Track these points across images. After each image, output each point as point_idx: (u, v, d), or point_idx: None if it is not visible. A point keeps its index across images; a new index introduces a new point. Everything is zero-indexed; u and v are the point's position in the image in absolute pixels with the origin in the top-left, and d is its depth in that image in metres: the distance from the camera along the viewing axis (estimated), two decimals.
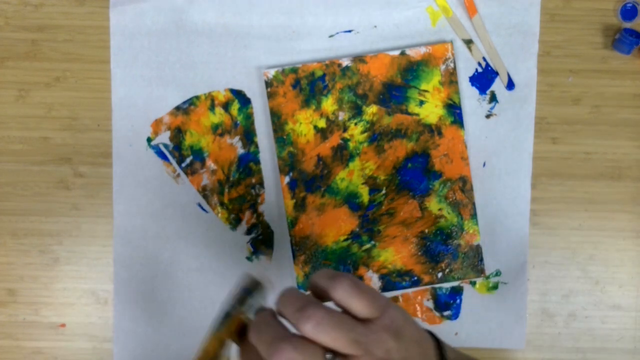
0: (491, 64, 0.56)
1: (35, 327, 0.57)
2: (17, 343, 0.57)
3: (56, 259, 0.57)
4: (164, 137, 0.56)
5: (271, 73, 0.55)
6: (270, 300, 0.35)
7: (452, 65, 0.55)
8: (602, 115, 0.56)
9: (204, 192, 0.56)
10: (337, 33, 0.56)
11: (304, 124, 0.55)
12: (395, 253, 0.56)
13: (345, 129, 0.55)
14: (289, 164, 0.55)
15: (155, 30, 0.56)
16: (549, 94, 0.56)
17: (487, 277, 0.56)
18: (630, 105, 0.56)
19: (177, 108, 0.56)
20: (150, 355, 0.56)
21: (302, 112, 0.55)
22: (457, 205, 0.55)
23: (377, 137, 0.55)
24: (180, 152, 0.56)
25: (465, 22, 0.55)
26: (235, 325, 0.33)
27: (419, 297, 0.56)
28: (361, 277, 0.56)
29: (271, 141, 0.56)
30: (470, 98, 0.56)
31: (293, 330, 0.31)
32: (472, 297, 0.56)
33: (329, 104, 0.55)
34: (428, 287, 0.56)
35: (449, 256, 0.56)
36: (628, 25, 0.55)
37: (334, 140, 0.55)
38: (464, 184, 0.55)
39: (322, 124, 0.55)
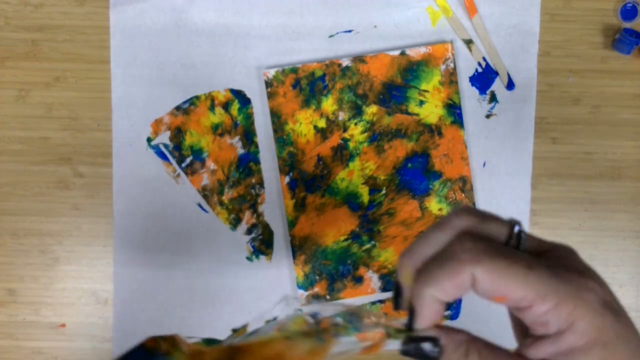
0: (491, 64, 0.56)
1: (35, 327, 0.57)
2: (17, 343, 0.57)
3: (56, 259, 0.57)
4: (164, 137, 0.56)
5: (271, 73, 0.55)
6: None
7: (452, 65, 0.55)
8: (602, 115, 0.56)
9: (204, 192, 0.56)
10: (337, 33, 0.56)
11: (304, 124, 0.55)
12: (395, 253, 0.56)
13: (345, 129, 0.55)
14: (289, 164, 0.55)
15: (155, 30, 0.56)
16: (549, 94, 0.56)
17: None
18: (630, 105, 0.56)
19: (177, 108, 0.56)
20: None
21: (302, 112, 0.55)
22: (457, 205, 0.55)
23: (377, 137, 0.55)
24: (180, 152, 0.56)
25: (465, 22, 0.55)
26: None
27: None
28: (361, 277, 0.56)
29: (271, 141, 0.56)
30: (470, 98, 0.56)
31: None
32: (472, 297, 0.56)
33: (329, 104, 0.55)
34: None
35: None
36: (628, 25, 0.55)
37: (334, 140, 0.55)
38: (464, 184, 0.55)
39: (322, 124, 0.55)
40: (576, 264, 0.24)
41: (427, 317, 0.24)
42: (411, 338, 0.24)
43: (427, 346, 0.24)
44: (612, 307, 0.22)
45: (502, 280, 0.22)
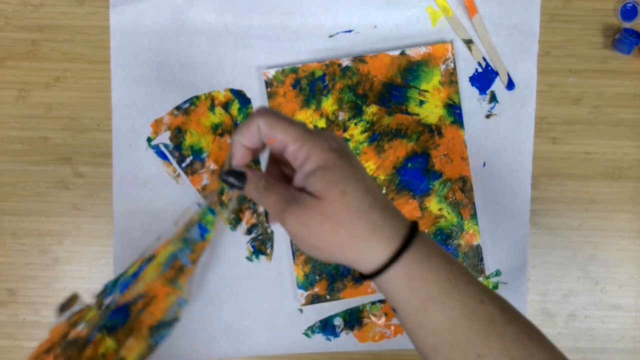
0: (491, 64, 0.56)
1: (35, 327, 0.57)
2: (17, 343, 0.57)
3: (56, 259, 0.57)
4: (164, 137, 0.56)
5: (271, 73, 0.55)
6: None
7: (452, 65, 0.55)
8: (602, 115, 0.56)
9: (204, 192, 0.56)
10: (337, 33, 0.56)
11: None
12: None
13: (345, 129, 0.55)
14: None
15: (155, 30, 0.56)
16: (549, 94, 0.56)
17: (487, 277, 0.56)
18: (630, 105, 0.56)
19: (177, 108, 0.56)
20: None
21: (302, 112, 0.55)
22: (457, 205, 0.55)
23: (377, 137, 0.55)
24: (180, 152, 0.56)
25: (465, 22, 0.55)
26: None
27: None
28: None
29: None
30: (470, 98, 0.56)
31: None
32: None
33: (329, 104, 0.55)
34: None
35: None
36: (628, 25, 0.55)
37: None
38: (464, 184, 0.55)
39: (322, 124, 0.55)
40: (324, 132, 0.36)
41: (238, 158, 0.36)
42: (227, 171, 0.36)
43: (237, 177, 0.36)
44: (336, 151, 0.34)
45: (272, 128, 0.34)
